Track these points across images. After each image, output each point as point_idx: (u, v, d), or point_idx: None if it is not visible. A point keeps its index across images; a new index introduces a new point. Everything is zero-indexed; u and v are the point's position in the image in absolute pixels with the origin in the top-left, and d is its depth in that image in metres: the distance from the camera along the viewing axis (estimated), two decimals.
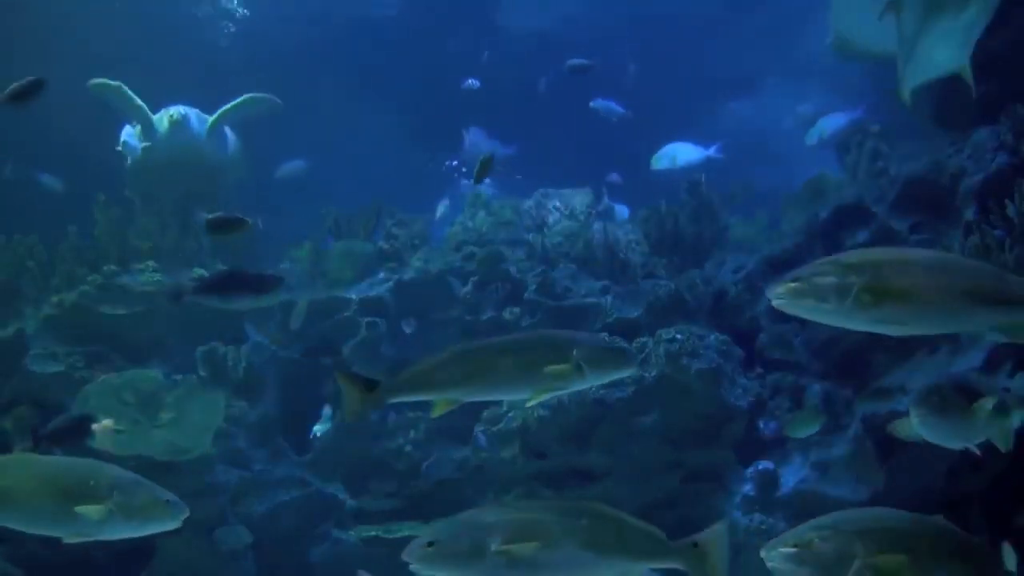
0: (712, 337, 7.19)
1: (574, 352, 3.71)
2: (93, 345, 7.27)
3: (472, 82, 10.30)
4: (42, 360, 7.08)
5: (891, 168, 7.81)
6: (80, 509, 3.61)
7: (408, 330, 7.77)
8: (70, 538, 3.75)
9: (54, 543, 6.19)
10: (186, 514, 3.82)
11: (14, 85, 5.05)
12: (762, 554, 3.28)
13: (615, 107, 10.76)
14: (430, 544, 3.33)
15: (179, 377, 7.13)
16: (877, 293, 3.09)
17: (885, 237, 7.52)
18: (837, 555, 3.11)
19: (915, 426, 3.78)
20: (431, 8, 12.23)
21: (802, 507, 6.63)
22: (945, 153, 7.41)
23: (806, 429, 6.44)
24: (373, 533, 7.02)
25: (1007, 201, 6.33)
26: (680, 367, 6.92)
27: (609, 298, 7.75)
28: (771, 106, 13.27)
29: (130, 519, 3.72)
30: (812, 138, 9.96)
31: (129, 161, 8.77)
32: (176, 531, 5.93)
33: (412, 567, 3.33)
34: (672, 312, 7.64)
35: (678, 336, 7.04)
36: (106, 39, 9.57)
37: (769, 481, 6.74)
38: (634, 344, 7.23)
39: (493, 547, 3.29)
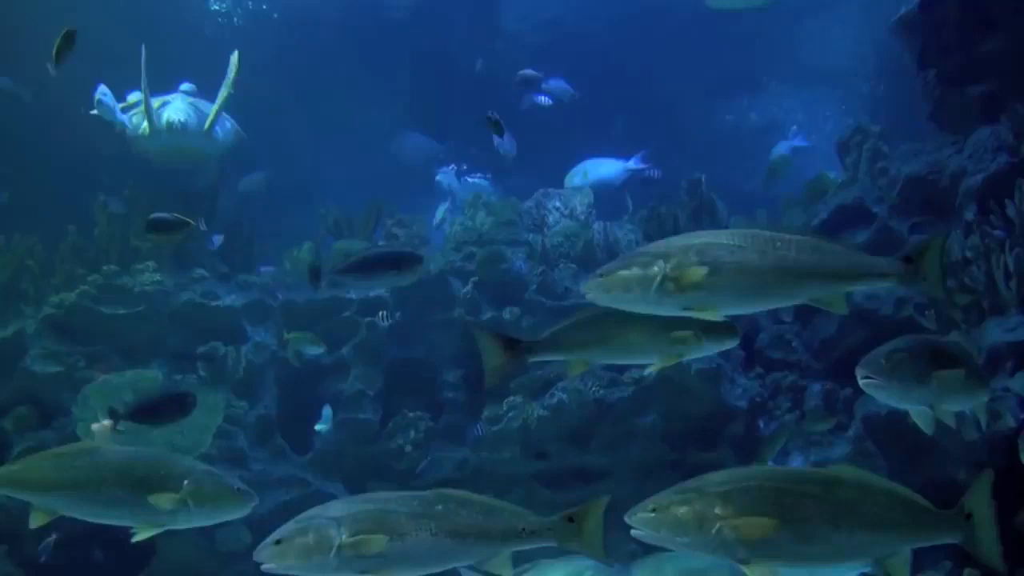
0: None
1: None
2: (93, 345, 7.27)
3: (545, 99, 10.14)
4: (42, 360, 7.08)
5: (891, 168, 7.81)
6: (153, 498, 3.61)
7: (383, 324, 7.74)
8: (142, 528, 3.76)
9: (53, 543, 6.20)
10: (255, 502, 3.83)
11: (54, 46, 4.99)
12: (625, 519, 3.15)
13: (565, 86, 10.44)
14: (278, 542, 3.28)
15: (179, 377, 7.13)
16: (680, 281, 3.13)
17: (885, 237, 7.53)
18: (698, 517, 2.97)
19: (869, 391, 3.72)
20: (436, 8, 12.23)
21: None
22: (945, 153, 7.41)
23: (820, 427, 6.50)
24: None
25: (1007, 201, 6.33)
26: (680, 367, 6.91)
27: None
28: (772, 107, 13.28)
29: (201, 507, 3.72)
30: (572, 179, 9.74)
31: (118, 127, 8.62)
32: (175, 531, 5.93)
33: (263, 567, 3.27)
34: None
35: None
36: (109, 29, 9.57)
37: None
38: None
39: (339, 540, 3.24)
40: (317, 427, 7.35)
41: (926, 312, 6.54)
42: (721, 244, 3.20)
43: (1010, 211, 6.32)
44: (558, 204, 9.25)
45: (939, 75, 7.77)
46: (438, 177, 11.62)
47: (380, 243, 8.82)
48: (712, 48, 12.45)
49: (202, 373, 7.21)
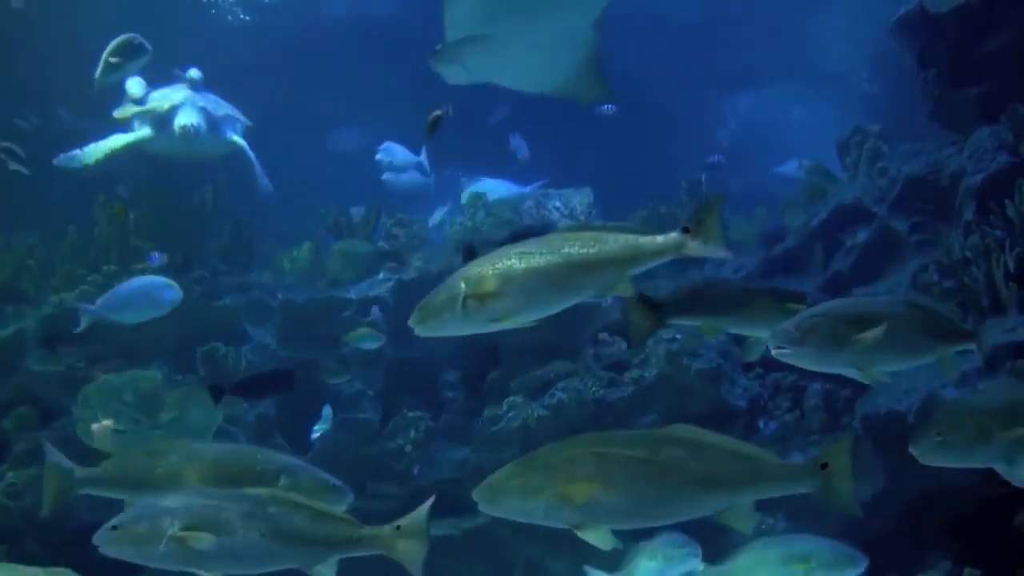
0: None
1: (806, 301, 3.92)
2: (93, 345, 7.26)
3: (608, 108, 10.14)
4: (42, 360, 7.07)
5: (891, 168, 7.81)
6: (250, 492, 3.59)
7: (369, 318, 7.75)
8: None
9: (53, 543, 6.20)
10: (351, 498, 3.87)
11: None
12: (473, 494, 3.28)
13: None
14: (114, 527, 3.35)
15: (179, 377, 7.12)
16: (480, 297, 3.29)
17: (885, 237, 7.53)
18: (529, 488, 3.16)
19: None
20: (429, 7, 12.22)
21: (802, 507, 6.62)
22: (945, 153, 7.41)
23: None
24: None
25: (1007, 201, 6.33)
26: (680, 367, 6.93)
27: (609, 298, 7.75)
28: (772, 107, 13.29)
29: (299, 504, 3.71)
30: (466, 196, 9.83)
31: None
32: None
33: (100, 550, 3.36)
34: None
35: (678, 336, 7.04)
36: (108, 24, 9.57)
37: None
38: None
39: (169, 532, 3.30)
40: (316, 427, 7.35)
41: None
42: (512, 253, 3.39)
43: (1010, 211, 6.32)
44: (558, 204, 9.27)
45: (939, 75, 7.78)
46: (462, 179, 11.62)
47: (380, 243, 8.82)
48: (712, 48, 12.47)
49: (202, 373, 7.20)
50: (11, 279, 7.70)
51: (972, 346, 3.99)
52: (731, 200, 9.47)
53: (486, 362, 7.68)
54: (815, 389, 7.05)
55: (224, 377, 7.15)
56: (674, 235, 3.30)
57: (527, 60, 5.64)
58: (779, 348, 3.62)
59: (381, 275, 8.28)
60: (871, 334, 3.61)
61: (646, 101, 11.78)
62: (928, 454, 3.53)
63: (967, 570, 5.42)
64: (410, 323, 3.44)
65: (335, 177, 11.36)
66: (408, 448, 7.35)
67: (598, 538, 3.19)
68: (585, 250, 3.37)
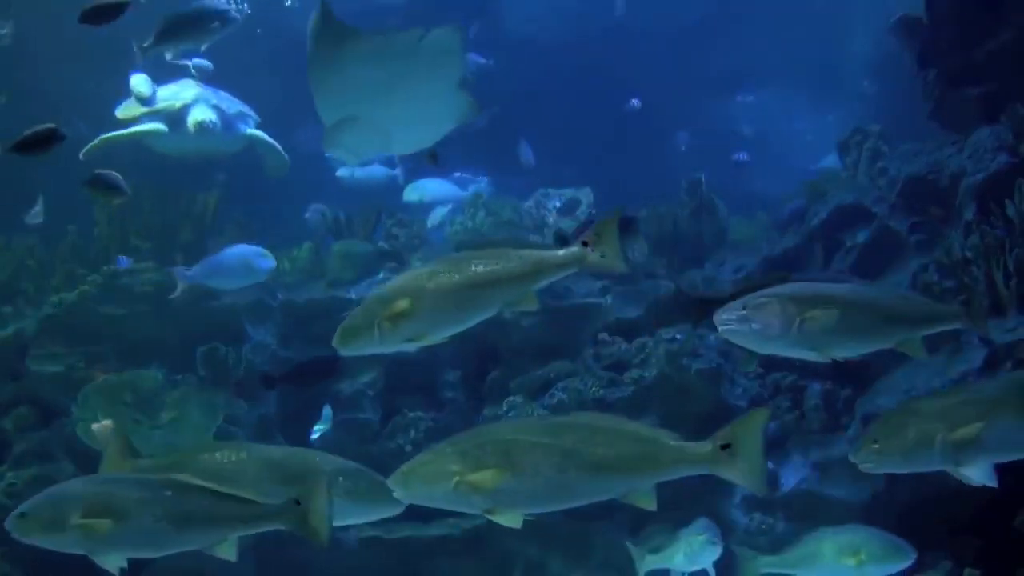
0: (712, 337, 7.18)
1: None
2: (93, 345, 7.26)
3: (634, 102, 10.11)
4: (42, 360, 7.08)
5: (891, 168, 7.81)
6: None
7: None
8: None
9: None
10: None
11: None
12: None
13: (476, 58, 10.31)
14: (22, 515, 3.47)
15: (179, 377, 7.12)
16: (394, 317, 3.44)
17: (885, 237, 7.53)
18: (439, 474, 3.24)
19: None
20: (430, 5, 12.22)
21: (802, 507, 6.63)
22: (945, 153, 7.41)
23: None
24: (373, 533, 7.01)
25: (1007, 201, 6.33)
26: (680, 367, 6.93)
27: (609, 298, 7.75)
28: (772, 107, 13.29)
29: (357, 505, 3.80)
30: (409, 195, 9.81)
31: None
32: None
33: (12, 536, 3.49)
34: (672, 312, 7.64)
35: (678, 336, 7.04)
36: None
37: (769, 481, 6.74)
38: (634, 344, 7.24)
39: (72, 520, 3.42)
40: (316, 427, 7.35)
41: None
42: (422, 274, 3.53)
43: (1010, 211, 6.33)
44: (558, 204, 9.27)
45: (939, 75, 7.78)
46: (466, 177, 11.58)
47: (380, 243, 8.82)
48: (711, 48, 12.47)
49: (202, 373, 7.20)
50: (11, 279, 7.70)
51: (957, 325, 3.94)
52: (731, 200, 9.51)
53: (486, 362, 7.68)
54: (815, 389, 7.05)
55: (221, 377, 7.17)
56: (575, 249, 3.45)
57: (402, 130, 5.87)
58: (725, 326, 3.64)
59: (381, 275, 8.27)
60: (820, 315, 3.61)
61: (647, 101, 11.80)
62: (867, 462, 3.57)
63: (967, 570, 5.42)
64: (333, 343, 3.57)
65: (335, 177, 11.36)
66: (408, 448, 7.34)
67: (509, 521, 3.28)
68: (491, 268, 3.50)
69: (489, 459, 3.21)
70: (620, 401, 6.93)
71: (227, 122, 8.34)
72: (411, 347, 3.59)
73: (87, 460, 6.59)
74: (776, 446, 6.93)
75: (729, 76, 12.87)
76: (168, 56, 7.30)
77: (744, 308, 3.64)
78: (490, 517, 3.27)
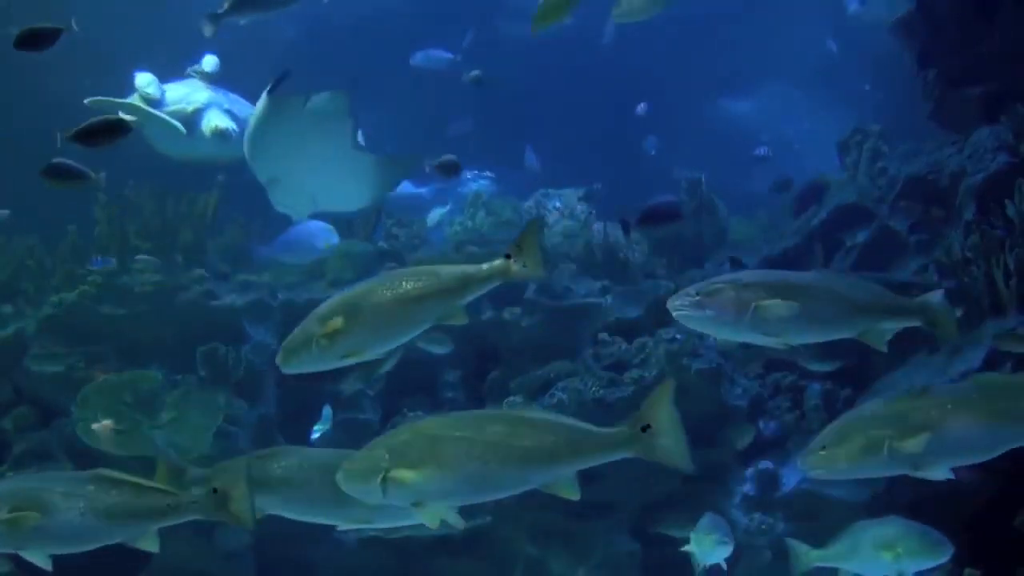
0: (712, 337, 7.19)
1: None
2: (93, 345, 7.26)
3: (642, 106, 10.06)
4: (42, 360, 7.08)
5: (891, 168, 7.81)
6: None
7: None
8: (346, 524, 3.95)
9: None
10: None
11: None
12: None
13: (442, 54, 10.15)
14: None
15: (179, 377, 7.12)
16: (330, 335, 3.55)
17: (885, 237, 7.54)
18: (368, 470, 3.35)
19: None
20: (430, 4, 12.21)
21: (802, 507, 6.63)
22: (945, 153, 7.41)
23: None
24: (373, 533, 7.01)
25: (1007, 201, 6.33)
26: (680, 367, 6.93)
27: (609, 298, 7.75)
28: (771, 107, 13.28)
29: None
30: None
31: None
32: (176, 531, 5.92)
33: None
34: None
35: (678, 336, 7.04)
36: (108, 25, 9.55)
37: (769, 481, 6.74)
38: (634, 344, 7.24)
39: (0, 515, 3.54)
40: (316, 427, 7.35)
41: None
42: (357, 292, 3.66)
43: (1010, 211, 6.33)
44: (558, 204, 9.27)
45: (939, 75, 7.78)
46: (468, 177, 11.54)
47: (380, 243, 8.82)
48: (711, 48, 12.46)
49: (202, 373, 7.21)
50: (11, 279, 7.70)
51: (916, 323, 3.86)
52: (732, 200, 9.50)
53: (486, 362, 7.68)
54: (815, 389, 7.05)
55: (221, 377, 7.16)
56: (498, 262, 3.56)
57: (324, 190, 6.05)
58: (679, 311, 3.64)
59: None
60: (774, 303, 3.58)
61: (647, 101, 11.79)
62: (815, 469, 3.58)
63: (967, 570, 5.41)
64: (276, 361, 3.72)
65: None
66: None
67: (436, 514, 3.38)
68: (420, 284, 3.60)
69: (415, 454, 3.31)
70: (620, 401, 6.92)
71: (241, 127, 8.09)
72: (348, 362, 3.69)
73: (87, 460, 6.60)
74: (776, 446, 6.94)
75: (729, 76, 12.86)
76: (242, 22, 6.81)
77: (698, 294, 3.64)
78: (419, 512, 3.37)
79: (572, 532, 6.80)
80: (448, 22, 11.97)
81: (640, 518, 6.90)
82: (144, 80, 7.83)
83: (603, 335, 7.39)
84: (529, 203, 9.32)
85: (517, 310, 7.75)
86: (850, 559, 4.70)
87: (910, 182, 7.50)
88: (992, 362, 5.95)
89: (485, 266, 3.58)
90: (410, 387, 7.75)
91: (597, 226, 8.77)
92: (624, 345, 7.26)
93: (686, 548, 5.28)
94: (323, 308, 3.62)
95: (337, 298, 3.67)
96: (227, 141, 7.65)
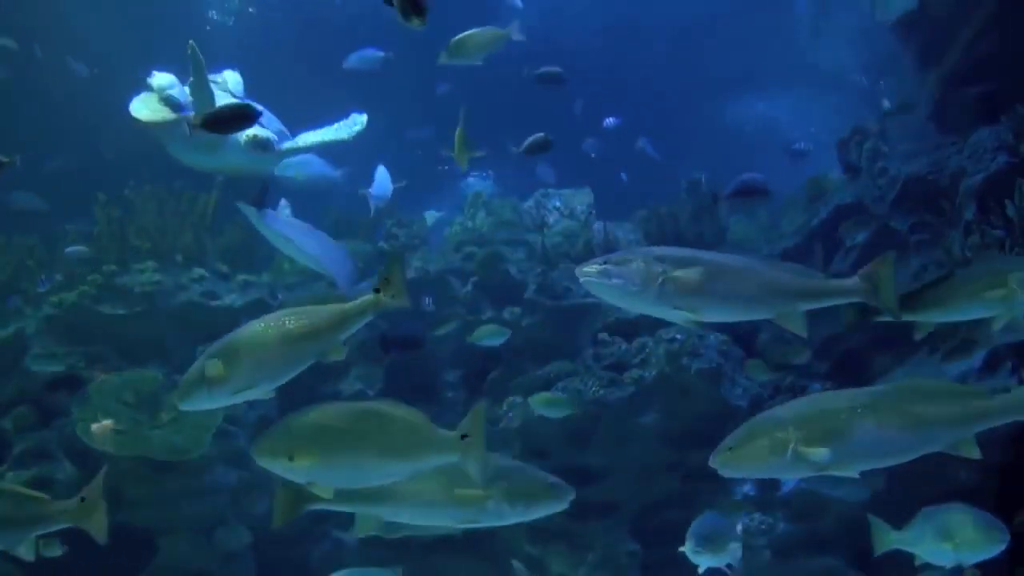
0: (712, 337, 7.19)
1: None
2: (93, 345, 7.26)
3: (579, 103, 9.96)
4: (42, 360, 7.08)
5: (891, 168, 7.81)
6: (460, 493, 3.79)
7: (429, 308, 7.75)
8: (458, 523, 3.98)
9: (53, 543, 6.18)
10: (572, 496, 3.95)
11: None
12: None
13: (375, 53, 9.92)
14: None
15: (179, 377, 7.11)
16: (219, 376, 3.77)
17: (885, 237, 7.53)
18: (275, 451, 3.62)
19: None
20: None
21: (802, 507, 6.63)
22: (945, 153, 7.41)
23: None
24: (373, 533, 7.01)
25: (1007, 201, 6.33)
26: (680, 367, 6.92)
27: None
28: (771, 107, 13.29)
29: (514, 504, 3.87)
30: (285, 170, 9.11)
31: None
32: (176, 531, 5.93)
33: None
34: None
35: (678, 336, 7.04)
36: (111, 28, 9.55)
37: (769, 481, 6.74)
38: (634, 344, 7.24)
39: None
40: None
41: None
42: (243, 334, 3.89)
43: (1010, 211, 6.33)
44: (558, 204, 9.27)
45: (939, 75, 7.78)
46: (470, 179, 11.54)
47: (380, 244, 8.81)
48: (711, 48, 12.47)
49: None
50: (11, 279, 7.70)
51: (854, 299, 3.84)
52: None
53: (486, 362, 7.68)
54: (815, 390, 7.05)
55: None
56: (369, 297, 3.83)
57: None
58: (586, 278, 3.64)
59: None
60: (682, 275, 3.57)
61: (647, 101, 11.80)
62: (723, 467, 3.60)
63: (967, 570, 5.41)
64: (173, 400, 3.91)
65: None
66: None
67: (321, 491, 3.74)
68: (301, 323, 3.84)
69: (304, 441, 3.62)
70: (620, 401, 6.93)
71: (281, 139, 7.79)
72: (238, 399, 3.90)
73: (87, 460, 6.60)
74: None
75: (729, 75, 12.87)
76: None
77: (606, 262, 3.64)
78: (314, 490, 3.72)
79: (572, 532, 6.80)
80: (449, 22, 11.97)
81: (641, 519, 6.90)
82: (165, 81, 7.35)
83: (603, 335, 7.39)
84: (529, 203, 9.31)
85: (517, 310, 7.75)
86: (918, 545, 4.70)
87: (910, 182, 7.50)
88: (992, 362, 5.95)
89: (358, 301, 3.84)
90: (410, 387, 7.75)
91: (597, 226, 8.77)
92: (624, 345, 7.26)
93: (682, 549, 5.26)
94: (212, 349, 3.80)
95: (224, 340, 3.85)
96: (267, 151, 7.30)
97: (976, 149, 7.05)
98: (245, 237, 8.65)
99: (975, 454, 3.60)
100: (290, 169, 8.97)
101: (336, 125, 8.07)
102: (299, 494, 3.89)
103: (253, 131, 7.17)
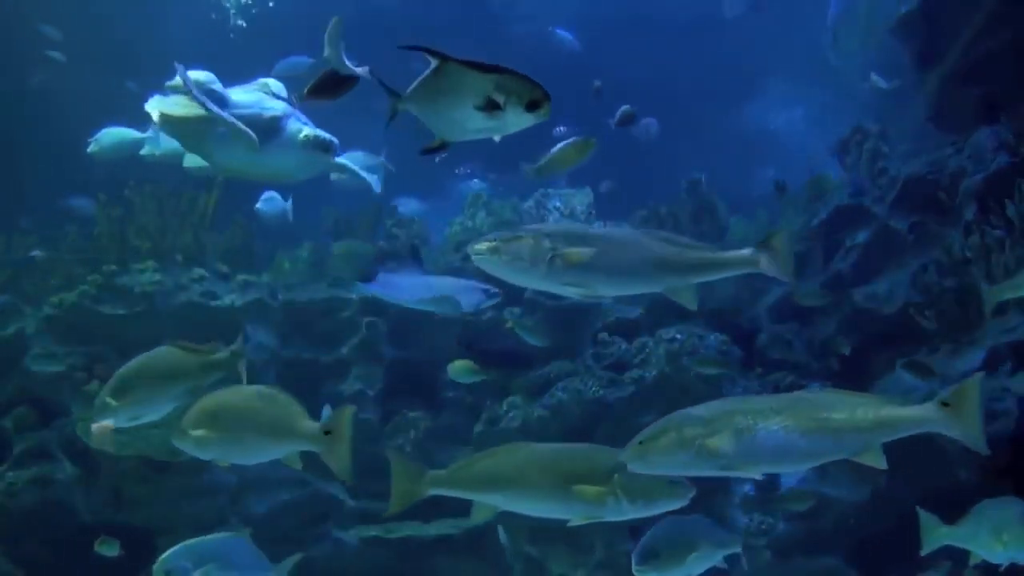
0: (712, 337, 7.19)
1: None
2: (93, 345, 7.26)
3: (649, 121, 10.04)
4: (42, 360, 7.07)
5: (891, 168, 7.81)
6: (577, 489, 3.78)
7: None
8: (575, 518, 3.96)
9: (53, 543, 6.19)
10: (692, 493, 3.94)
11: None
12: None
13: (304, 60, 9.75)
14: None
15: None
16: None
17: (885, 237, 7.53)
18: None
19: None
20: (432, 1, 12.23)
21: (802, 507, 6.63)
22: (945, 153, 7.41)
23: None
24: (373, 533, 7.01)
25: (1007, 201, 6.33)
26: (680, 367, 6.92)
27: (609, 298, 7.75)
28: (771, 107, 13.28)
29: (633, 501, 3.88)
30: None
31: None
32: (176, 531, 5.94)
33: None
34: (672, 312, 7.64)
35: (678, 336, 7.04)
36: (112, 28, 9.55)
37: (769, 481, 6.74)
38: (634, 344, 7.24)
39: None
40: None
41: (926, 312, 6.54)
42: (130, 367, 4.78)
43: (1010, 211, 6.33)
44: (558, 204, 9.26)
45: (939, 75, 7.78)
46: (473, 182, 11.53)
47: (380, 243, 8.82)
48: (710, 48, 12.46)
49: None
50: (11, 279, 7.70)
51: (749, 270, 3.82)
52: (732, 200, 9.48)
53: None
54: (815, 389, 7.04)
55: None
56: (221, 354, 4.53)
57: None
58: (478, 255, 3.69)
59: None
60: (571, 252, 3.61)
61: (647, 101, 11.78)
62: (632, 461, 3.63)
63: (967, 570, 5.41)
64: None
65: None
66: (408, 448, 7.35)
67: (437, 476, 4.18)
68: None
69: (203, 420, 4.15)
70: (620, 401, 6.93)
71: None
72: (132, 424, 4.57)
73: (87, 460, 6.60)
74: None
75: (730, 75, 12.87)
76: None
77: (496, 239, 3.69)
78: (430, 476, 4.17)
79: (572, 532, 6.79)
80: (448, 23, 12.02)
81: (641, 519, 6.90)
82: (203, 76, 6.51)
83: (603, 335, 7.39)
84: (529, 203, 9.31)
85: (517, 310, 7.75)
86: (972, 541, 4.66)
87: (910, 182, 7.50)
88: (992, 362, 5.95)
89: (214, 357, 4.54)
90: (410, 387, 7.76)
91: (597, 226, 8.77)
92: (624, 345, 7.26)
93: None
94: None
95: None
96: (328, 153, 6.49)
97: (976, 149, 7.04)
98: (245, 237, 8.67)
99: (881, 464, 3.63)
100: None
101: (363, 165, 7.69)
102: (417, 481, 4.12)
103: (311, 130, 6.49)
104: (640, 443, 3.60)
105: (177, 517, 6.79)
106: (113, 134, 8.33)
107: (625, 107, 7.41)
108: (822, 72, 12.33)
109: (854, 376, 7.03)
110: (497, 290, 6.45)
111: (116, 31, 10.14)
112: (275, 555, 7.15)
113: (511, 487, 3.98)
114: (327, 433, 4.10)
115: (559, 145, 5.32)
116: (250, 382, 7.33)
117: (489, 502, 4.08)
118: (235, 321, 7.66)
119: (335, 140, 6.54)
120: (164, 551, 6.75)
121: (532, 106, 3.32)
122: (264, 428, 4.18)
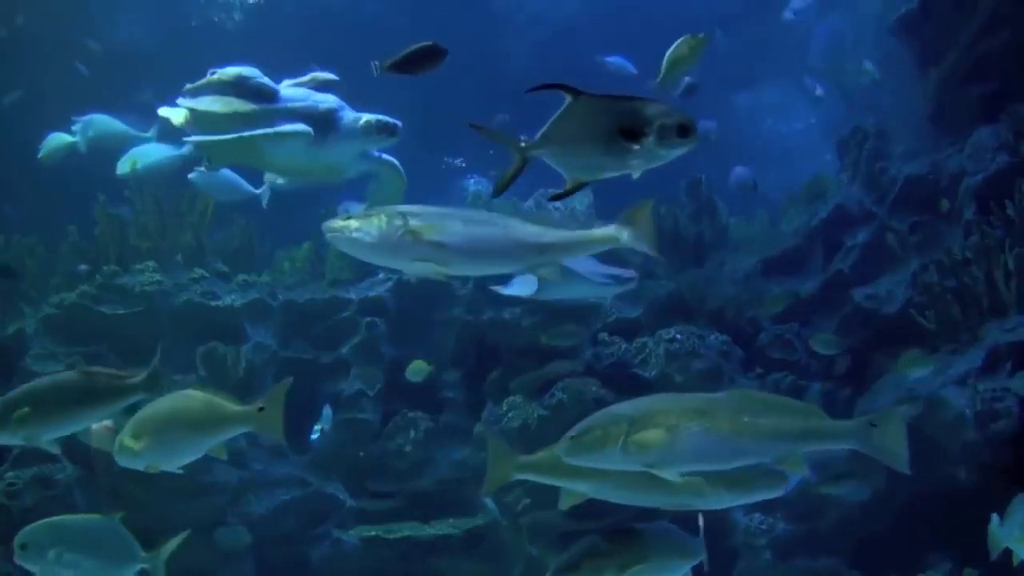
0: (712, 337, 7.19)
1: None
2: (93, 345, 7.26)
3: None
4: (42, 360, 7.07)
5: (891, 168, 7.81)
6: (660, 473, 3.69)
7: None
8: (668, 506, 4.03)
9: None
10: (789, 484, 3.99)
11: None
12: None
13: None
14: None
15: (179, 377, 7.11)
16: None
17: (885, 237, 7.53)
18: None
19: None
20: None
21: (802, 507, 6.63)
22: (945, 153, 7.41)
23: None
24: (373, 533, 7.01)
25: (1007, 201, 6.34)
26: (679, 367, 6.92)
27: (609, 298, 7.74)
28: (771, 107, 13.28)
29: (732, 489, 3.95)
30: (122, 166, 8.60)
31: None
32: (176, 531, 5.91)
33: None
34: (672, 312, 7.64)
35: (678, 336, 7.04)
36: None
37: None
38: (634, 344, 7.24)
39: None
40: (316, 427, 7.34)
41: (926, 312, 6.54)
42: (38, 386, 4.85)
43: (1010, 211, 6.33)
44: (558, 204, 9.24)
45: (939, 75, 7.78)
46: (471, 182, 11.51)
47: None
48: (710, 48, 12.43)
49: (202, 373, 7.20)
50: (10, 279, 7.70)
51: (613, 245, 3.95)
52: (732, 200, 9.47)
53: (486, 362, 7.68)
54: (815, 389, 7.05)
55: (221, 377, 7.15)
56: (140, 378, 4.39)
57: None
58: (331, 232, 3.73)
59: (381, 275, 8.26)
60: (423, 227, 3.64)
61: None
62: (565, 454, 3.68)
63: (967, 570, 5.42)
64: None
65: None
66: (408, 448, 7.35)
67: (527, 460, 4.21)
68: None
69: (146, 427, 4.16)
70: (619, 401, 6.93)
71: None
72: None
73: (87, 460, 6.60)
74: None
75: (729, 75, 12.86)
76: None
77: (350, 217, 3.74)
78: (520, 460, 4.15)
79: (572, 533, 6.79)
80: (449, 24, 12.00)
81: (641, 519, 6.89)
82: (247, 71, 6.10)
83: (603, 335, 7.39)
84: (529, 203, 9.30)
85: (517, 310, 7.75)
86: (1002, 542, 4.58)
87: (910, 182, 7.50)
88: (993, 361, 5.95)
89: (132, 380, 4.44)
90: (410, 387, 7.74)
91: (597, 226, 8.75)
92: (624, 345, 7.26)
93: None
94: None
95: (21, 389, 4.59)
96: (394, 137, 6.03)
97: (976, 149, 7.05)
98: (245, 237, 8.67)
99: (802, 471, 3.68)
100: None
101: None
102: (510, 463, 4.10)
103: (371, 116, 6.02)
104: (571, 438, 3.65)
105: (177, 517, 6.79)
106: (99, 122, 8.34)
107: (688, 79, 7.32)
108: (821, 74, 12.35)
109: (854, 376, 7.04)
110: (632, 274, 6.35)
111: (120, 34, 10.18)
112: (275, 555, 7.16)
113: (599, 475, 3.95)
114: (261, 410, 4.22)
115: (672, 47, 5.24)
116: (250, 382, 7.43)
117: (577, 489, 4.09)
118: (235, 321, 7.68)
119: (399, 123, 6.00)
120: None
121: (683, 131, 3.25)
122: (198, 421, 4.27)
